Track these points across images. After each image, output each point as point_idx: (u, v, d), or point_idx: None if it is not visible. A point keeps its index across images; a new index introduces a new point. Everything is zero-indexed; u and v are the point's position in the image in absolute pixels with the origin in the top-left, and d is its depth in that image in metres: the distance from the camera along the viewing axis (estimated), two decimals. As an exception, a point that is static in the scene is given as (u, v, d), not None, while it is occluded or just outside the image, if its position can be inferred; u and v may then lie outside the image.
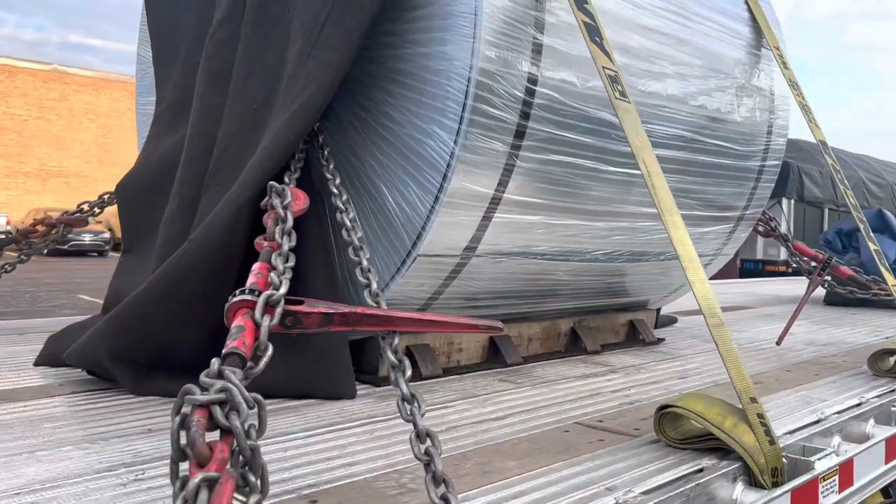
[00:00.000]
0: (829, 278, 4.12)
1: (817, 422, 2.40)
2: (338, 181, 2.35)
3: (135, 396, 2.46)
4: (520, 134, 2.52)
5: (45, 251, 3.73)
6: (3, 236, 3.81)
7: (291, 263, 1.80)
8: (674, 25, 3.04)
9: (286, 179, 2.30)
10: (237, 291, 1.62)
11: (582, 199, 2.89)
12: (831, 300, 6.06)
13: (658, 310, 4.35)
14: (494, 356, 3.16)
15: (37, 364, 2.94)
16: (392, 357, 1.65)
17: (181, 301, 2.37)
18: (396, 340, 1.70)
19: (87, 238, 27.38)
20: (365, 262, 1.99)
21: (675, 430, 2.09)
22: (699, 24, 3.20)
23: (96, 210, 3.59)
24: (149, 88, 3.79)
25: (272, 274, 1.66)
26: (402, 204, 2.51)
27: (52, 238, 3.54)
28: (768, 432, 1.95)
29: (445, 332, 2.75)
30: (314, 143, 2.58)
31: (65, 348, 2.81)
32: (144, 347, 2.46)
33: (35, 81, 36.08)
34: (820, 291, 4.94)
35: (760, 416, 1.99)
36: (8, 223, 28.87)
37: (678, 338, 4.21)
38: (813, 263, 4.38)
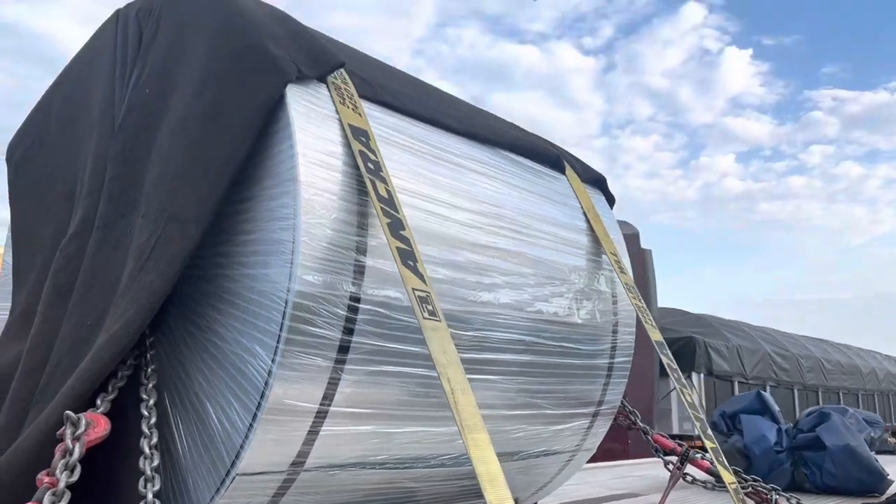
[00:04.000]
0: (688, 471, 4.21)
1: None
2: (151, 402, 2.37)
3: None
4: (344, 349, 2.61)
5: None
6: None
7: (64, 502, 1.77)
8: (504, 240, 3.29)
9: (98, 402, 2.30)
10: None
11: (418, 406, 2.95)
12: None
13: (533, 505, 4.32)
14: (342, 571, 3.05)
15: None
16: None
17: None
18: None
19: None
20: (150, 496, 1.96)
21: None
22: (531, 237, 3.47)
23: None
24: (8, 295, 3.80)
25: (31, 519, 1.63)
26: (224, 421, 2.51)
27: None
28: None
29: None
30: (143, 359, 2.61)
31: None
32: None
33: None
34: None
35: None
36: None
37: (550, 536, 4.16)
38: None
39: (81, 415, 2.08)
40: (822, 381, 20.02)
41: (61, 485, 1.79)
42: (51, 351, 2.87)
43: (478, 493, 3.76)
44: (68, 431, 1.99)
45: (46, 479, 1.86)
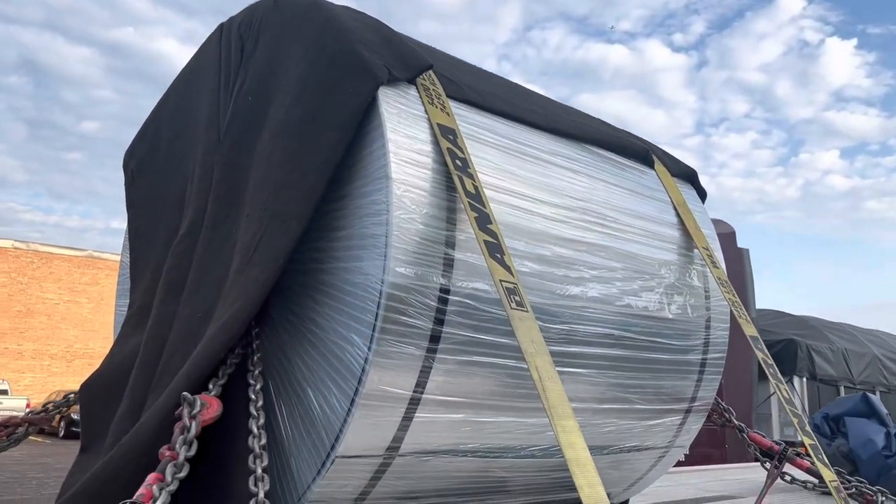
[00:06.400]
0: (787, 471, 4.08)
1: None
2: (258, 386, 2.53)
3: None
4: (435, 338, 2.71)
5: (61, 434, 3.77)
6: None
7: (183, 474, 1.93)
8: (591, 234, 3.32)
9: (210, 387, 2.47)
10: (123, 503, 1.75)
11: (508, 396, 3.02)
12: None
13: (625, 501, 4.29)
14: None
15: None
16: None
17: (105, 506, 2.47)
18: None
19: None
20: (259, 471, 2.11)
21: None
22: (619, 231, 3.47)
23: (63, 409, 3.76)
24: (127, 292, 4.10)
25: (154, 487, 1.79)
26: (324, 406, 2.65)
27: (15, 438, 3.69)
28: None
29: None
30: (249, 349, 2.79)
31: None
32: None
33: (70, 267, 37.79)
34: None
35: None
36: (28, 406, 28.94)
37: (643, 533, 4.12)
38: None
39: (197, 396, 2.26)
40: (939, 386, 18.72)
41: (181, 458, 1.96)
42: (165, 342, 3.09)
43: (569, 487, 3.79)
44: (185, 411, 2.16)
45: (168, 453, 2.03)
